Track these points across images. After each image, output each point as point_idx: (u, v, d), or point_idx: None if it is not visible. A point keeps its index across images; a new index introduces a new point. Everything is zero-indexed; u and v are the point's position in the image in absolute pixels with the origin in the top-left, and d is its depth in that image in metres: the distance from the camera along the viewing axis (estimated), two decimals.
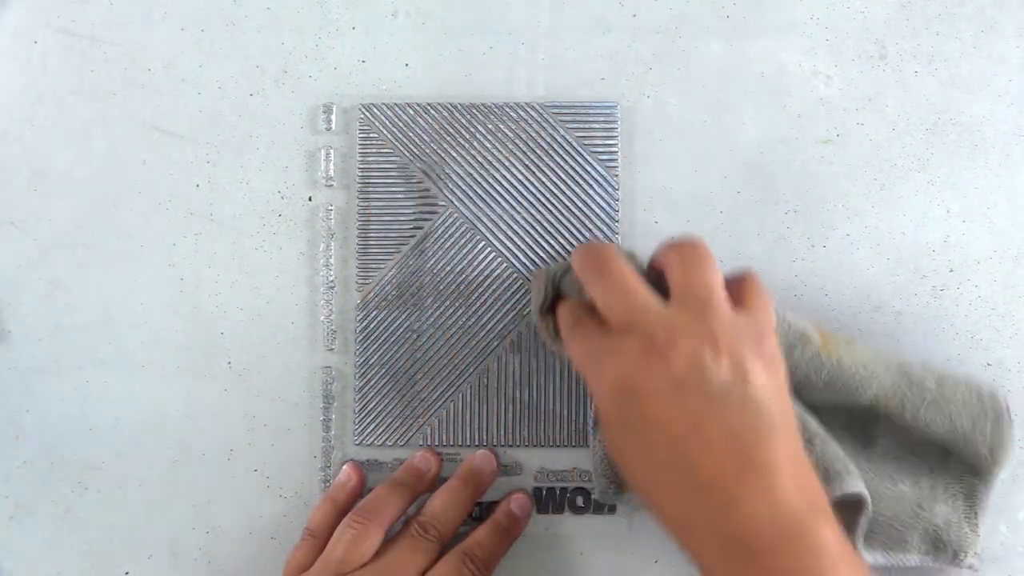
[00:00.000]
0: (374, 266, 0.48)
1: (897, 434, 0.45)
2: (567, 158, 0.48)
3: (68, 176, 0.49)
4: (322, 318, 0.48)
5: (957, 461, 0.45)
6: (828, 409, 0.45)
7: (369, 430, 0.48)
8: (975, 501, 0.45)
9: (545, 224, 0.48)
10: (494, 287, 0.48)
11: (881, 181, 0.49)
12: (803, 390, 0.44)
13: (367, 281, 0.48)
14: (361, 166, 0.49)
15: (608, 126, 0.49)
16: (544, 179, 0.48)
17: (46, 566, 0.48)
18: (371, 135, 0.49)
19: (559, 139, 0.49)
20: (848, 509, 0.43)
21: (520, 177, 0.48)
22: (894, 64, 0.50)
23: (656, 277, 0.41)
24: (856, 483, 0.42)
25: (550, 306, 0.44)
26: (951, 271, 0.48)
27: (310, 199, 0.49)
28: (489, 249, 0.48)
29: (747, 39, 0.50)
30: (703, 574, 0.38)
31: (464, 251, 0.48)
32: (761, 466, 0.36)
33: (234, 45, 0.50)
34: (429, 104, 0.49)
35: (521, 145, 0.49)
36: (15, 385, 0.49)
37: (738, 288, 0.40)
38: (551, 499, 0.48)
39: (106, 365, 0.49)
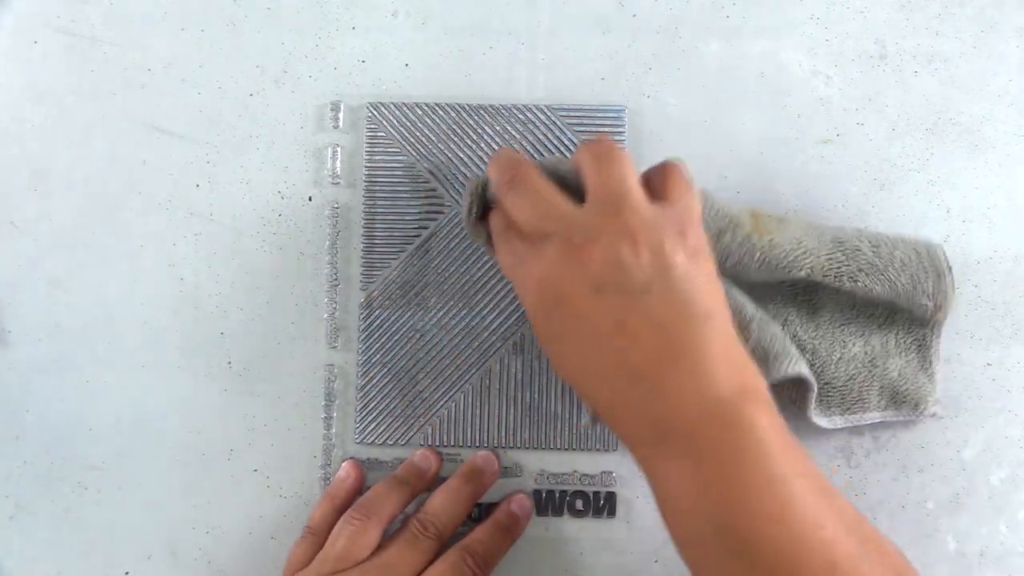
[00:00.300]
0: (379, 265, 0.48)
1: (842, 299, 0.46)
2: None
3: (68, 176, 0.49)
4: (325, 316, 0.48)
5: (904, 315, 0.46)
6: (769, 286, 0.45)
7: (370, 429, 0.48)
8: (927, 350, 0.46)
9: None
10: (498, 288, 0.48)
11: (881, 181, 0.49)
12: (739, 273, 0.44)
13: (371, 279, 0.48)
14: (368, 165, 0.49)
15: (616, 129, 0.49)
16: None
17: (46, 566, 0.48)
18: (378, 134, 0.49)
19: (566, 142, 0.48)
20: (797, 387, 0.44)
21: None
22: (894, 64, 0.50)
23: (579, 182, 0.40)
24: (796, 365, 0.42)
25: (482, 215, 0.44)
26: (951, 269, 0.48)
27: (310, 199, 0.49)
28: None
29: (747, 39, 0.50)
30: (635, 457, 0.38)
31: (469, 252, 0.48)
32: (689, 354, 0.36)
33: (234, 45, 0.50)
34: (437, 104, 0.49)
35: (528, 147, 0.49)
36: (15, 385, 0.49)
37: (659, 180, 0.39)
38: (551, 501, 0.48)
39: (106, 365, 0.48)
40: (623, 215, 0.37)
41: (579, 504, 0.48)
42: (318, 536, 0.45)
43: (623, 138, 0.49)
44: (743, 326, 0.43)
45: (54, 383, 0.49)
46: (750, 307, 0.44)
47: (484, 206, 0.43)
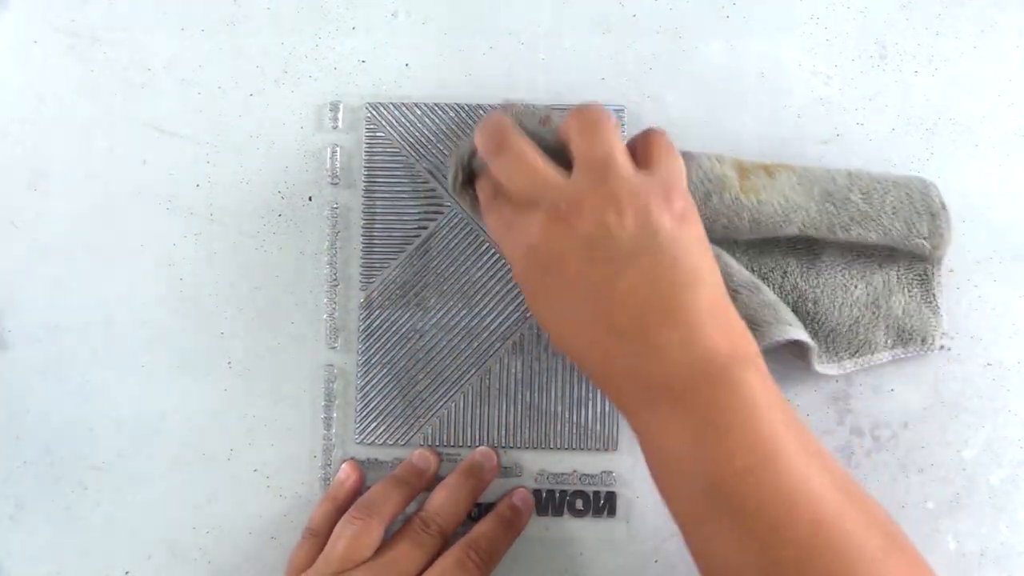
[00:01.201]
0: (378, 265, 0.48)
1: (841, 243, 0.46)
2: None
3: (68, 176, 0.49)
4: (325, 316, 0.48)
5: (903, 252, 0.47)
6: (766, 240, 0.46)
7: (370, 429, 0.48)
8: (928, 282, 0.47)
9: None
10: (497, 288, 0.48)
11: None
12: (729, 235, 0.45)
13: (371, 280, 0.48)
14: (367, 165, 0.49)
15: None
16: None
17: (46, 566, 0.48)
18: (377, 134, 0.49)
19: None
20: (797, 345, 0.44)
21: None
22: (894, 64, 0.50)
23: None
24: (784, 330, 0.43)
25: (467, 181, 0.45)
26: (951, 271, 0.48)
27: (310, 199, 0.49)
28: (493, 251, 0.48)
29: (747, 39, 0.50)
30: (626, 417, 0.39)
31: (468, 252, 0.48)
32: (678, 314, 0.37)
33: (234, 45, 0.50)
34: (436, 104, 0.49)
35: None
36: (15, 385, 0.49)
37: (643, 147, 0.40)
38: (551, 501, 0.48)
39: (106, 365, 0.48)
40: (609, 182, 0.38)
41: (579, 504, 0.48)
42: (319, 537, 0.45)
43: (623, 137, 0.48)
44: (732, 292, 0.43)
45: (54, 383, 0.49)
46: (741, 274, 0.44)
47: (470, 173, 0.44)
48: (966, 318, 0.48)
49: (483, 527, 0.45)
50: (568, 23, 0.50)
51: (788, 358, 0.46)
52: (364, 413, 0.48)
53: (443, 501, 0.45)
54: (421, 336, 0.48)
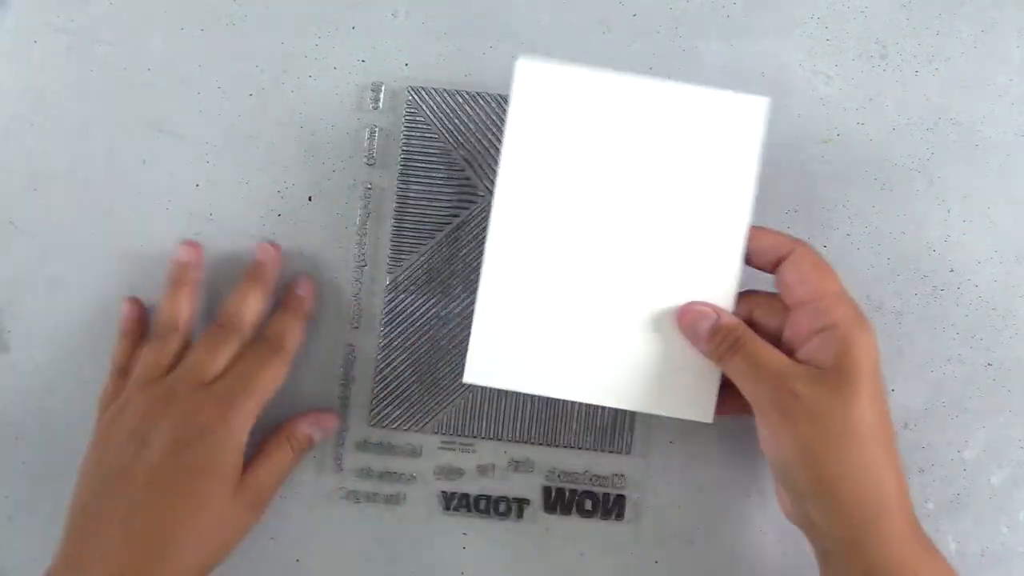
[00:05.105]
0: (407, 249, 0.48)
1: None
2: None
3: (68, 176, 0.49)
4: (351, 296, 0.48)
5: None
6: None
7: (385, 412, 0.48)
8: None
9: None
10: None
11: (881, 181, 0.49)
12: None
13: (399, 263, 0.48)
14: (404, 148, 0.49)
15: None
16: None
17: (46, 566, 0.48)
18: (417, 118, 0.49)
19: None
20: None
21: None
22: (894, 64, 0.50)
23: None
24: None
25: None
26: (951, 271, 0.48)
27: (310, 199, 0.49)
28: None
29: (747, 39, 0.50)
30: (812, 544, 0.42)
31: None
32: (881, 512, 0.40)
33: (234, 45, 0.50)
34: (478, 93, 0.49)
35: None
36: (15, 386, 0.49)
37: (846, 362, 0.40)
38: (560, 499, 0.48)
39: (106, 365, 0.48)
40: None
41: (588, 504, 0.48)
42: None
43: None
44: None
45: (54, 383, 0.49)
46: None
47: None
48: (966, 318, 0.48)
49: (272, 321, 0.47)
50: (568, 23, 0.50)
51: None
52: (380, 396, 0.48)
53: (236, 305, 0.46)
54: (444, 324, 0.48)
